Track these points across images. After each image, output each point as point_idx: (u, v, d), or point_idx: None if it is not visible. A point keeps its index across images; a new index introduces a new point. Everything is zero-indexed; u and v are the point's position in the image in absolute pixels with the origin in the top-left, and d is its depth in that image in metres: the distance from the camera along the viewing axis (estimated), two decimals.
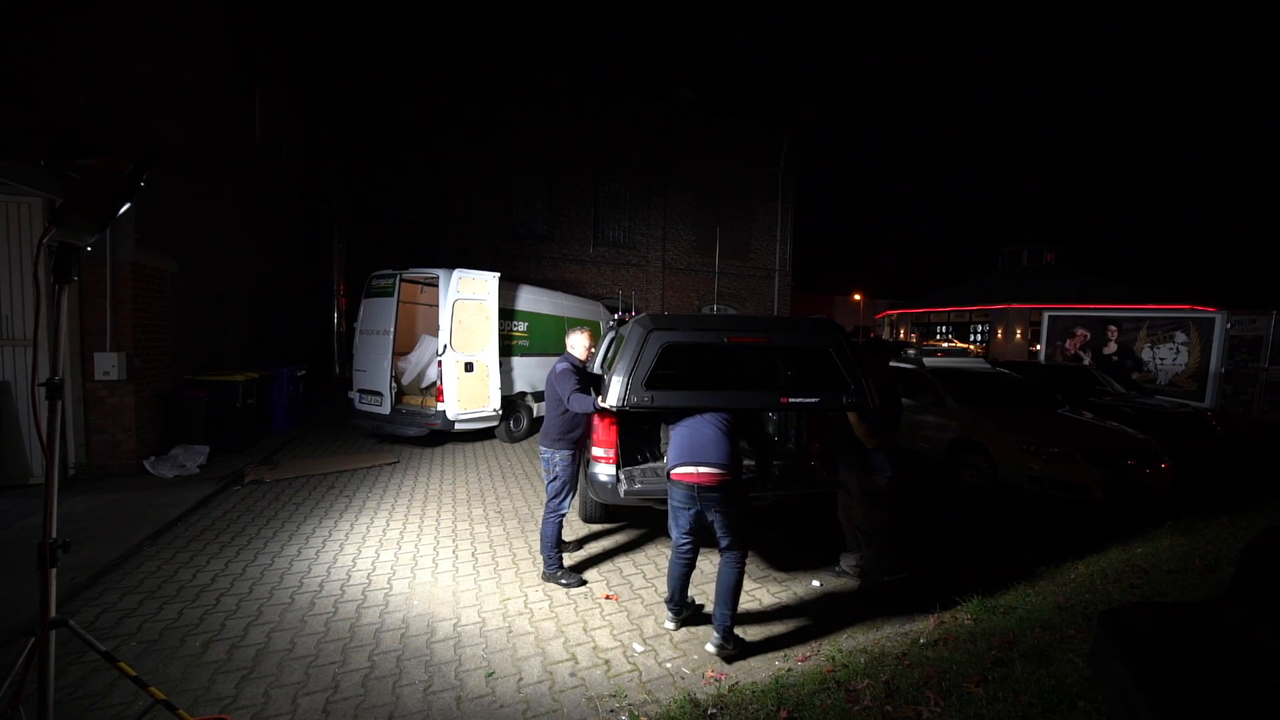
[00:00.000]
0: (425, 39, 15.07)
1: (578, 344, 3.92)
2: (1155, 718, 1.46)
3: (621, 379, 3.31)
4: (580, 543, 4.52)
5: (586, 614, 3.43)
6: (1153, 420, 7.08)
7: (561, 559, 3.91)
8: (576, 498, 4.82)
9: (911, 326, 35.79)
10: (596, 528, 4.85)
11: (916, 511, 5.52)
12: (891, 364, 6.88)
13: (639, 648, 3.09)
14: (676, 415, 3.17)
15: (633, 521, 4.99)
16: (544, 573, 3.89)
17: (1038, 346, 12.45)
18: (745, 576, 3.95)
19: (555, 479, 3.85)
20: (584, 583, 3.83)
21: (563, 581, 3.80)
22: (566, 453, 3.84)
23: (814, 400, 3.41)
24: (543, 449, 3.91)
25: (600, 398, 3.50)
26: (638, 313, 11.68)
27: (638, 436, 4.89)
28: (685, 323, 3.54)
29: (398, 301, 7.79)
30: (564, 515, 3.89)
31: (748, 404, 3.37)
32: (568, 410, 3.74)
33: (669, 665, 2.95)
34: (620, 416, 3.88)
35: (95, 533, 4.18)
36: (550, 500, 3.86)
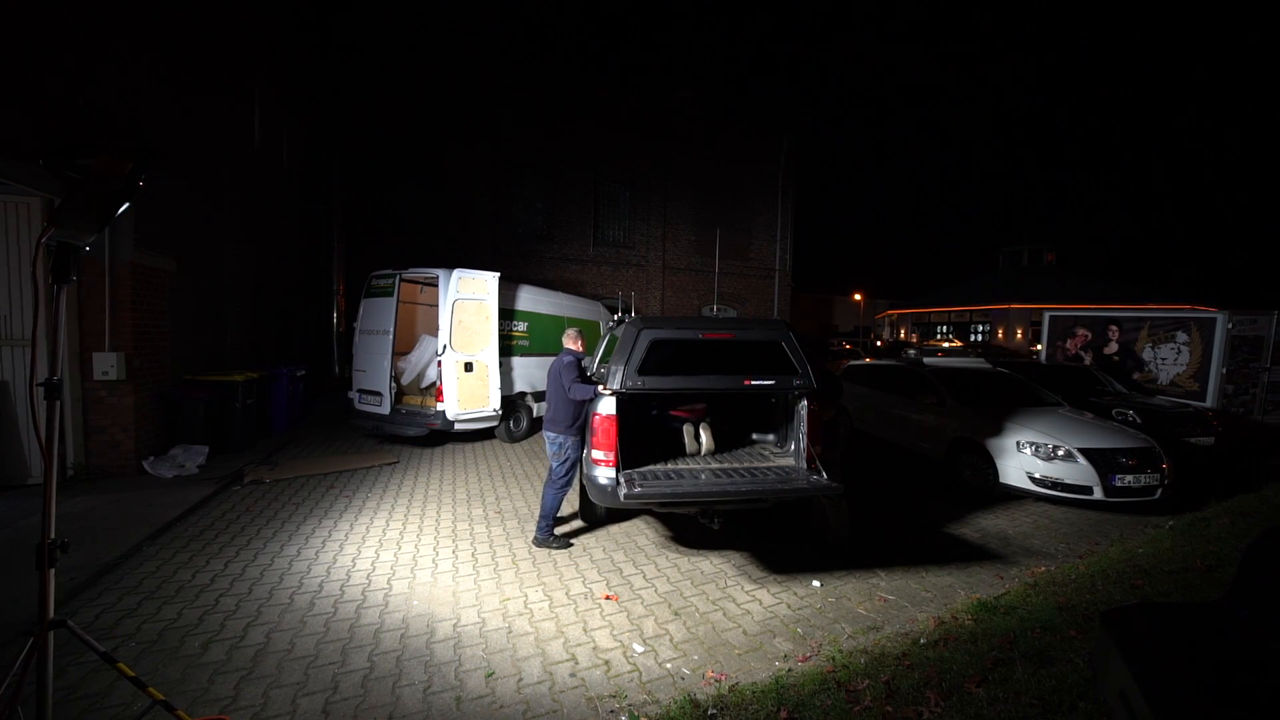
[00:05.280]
0: (425, 38, 15.06)
1: (573, 340, 4.61)
2: (1156, 718, 1.46)
3: (620, 368, 3.91)
4: (579, 545, 4.54)
5: (586, 614, 3.43)
6: (1154, 420, 7.07)
7: (554, 527, 4.43)
8: (577, 498, 5.03)
9: (911, 326, 35.80)
10: (597, 528, 4.85)
11: (915, 510, 5.53)
12: (884, 363, 8.70)
13: (639, 648, 3.09)
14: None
15: (633, 522, 4.99)
16: (535, 538, 4.41)
17: (1038, 346, 12.44)
18: (745, 577, 3.99)
19: (566, 460, 4.38)
20: (570, 545, 4.41)
21: (553, 546, 4.33)
22: (576, 438, 4.37)
23: (770, 382, 4.11)
24: (552, 435, 4.40)
25: (601, 385, 4.05)
26: (638, 313, 11.69)
27: (637, 439, 4.91)
28: (669, 323, 4.28)
29: (397, 301, 7.78)
30: (568, 492, 4.46)
31: (719, 386, 4.15)
32: (571, 398, 4.23)
33: (669, 665, 2.94)
34: (619, 415, 4.01)
35: (94, 533, 4.18)
36: (560, 477, 4.38)
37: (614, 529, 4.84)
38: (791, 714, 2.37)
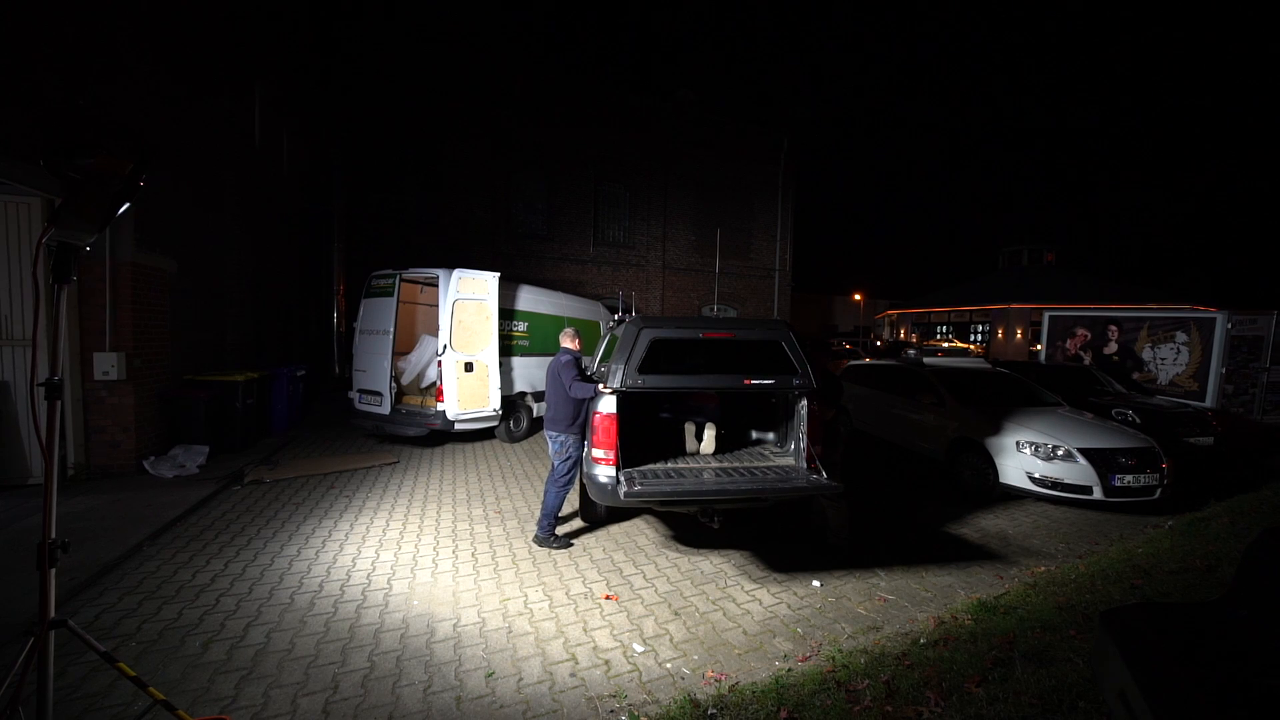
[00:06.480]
0: (425, 39, 15.07)
1: (570, 340, 4.65)
2: (1156, 718, 1.46)
3: (621, 367, 3.92)
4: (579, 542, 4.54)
5: (586, 614, 3.43)
6: (1153, 420, 7.07)
7: (555, 527, 4.45)
8: (578, 498, 5.04)
9: (911, 326, 35.80)
10: (597, 528, 4.85)
11: (914, 510, 5.53)
12: (884, 363, 8.67)
13: (639, 648, 3.09)
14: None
15: (633, 521, 4.99)
16: (537, 536, 4.44)
17: (1038, 346, 12.44)
18: (745, 576, 3.99)
19: (569, 458, 4.42)
20: (570, 545, 4.43)
21: (554, 545, 4.36)
22: (578, 436, 4.41)
23: (770, 382, 4.12)
24: (553, 434, 4.44)
25: (601, 384, 4.07)
26: (638, 313, 11.72)
27: (638, 438, 4.92)
28: (669, 322, 4.28)
29: (397, 301, 7.78)
30: (570, 490, 4.49)
31: (719, 385, 4.22)
32: (572, 396, 4.28)
33: (669, 665, 2.95)
34: (619, 413, 4.03)
35: (95, 533, 4.18)
36: (561, 476, 4.42)
37: (614, 529, 4.84)
38: (791, 714, 2.38)
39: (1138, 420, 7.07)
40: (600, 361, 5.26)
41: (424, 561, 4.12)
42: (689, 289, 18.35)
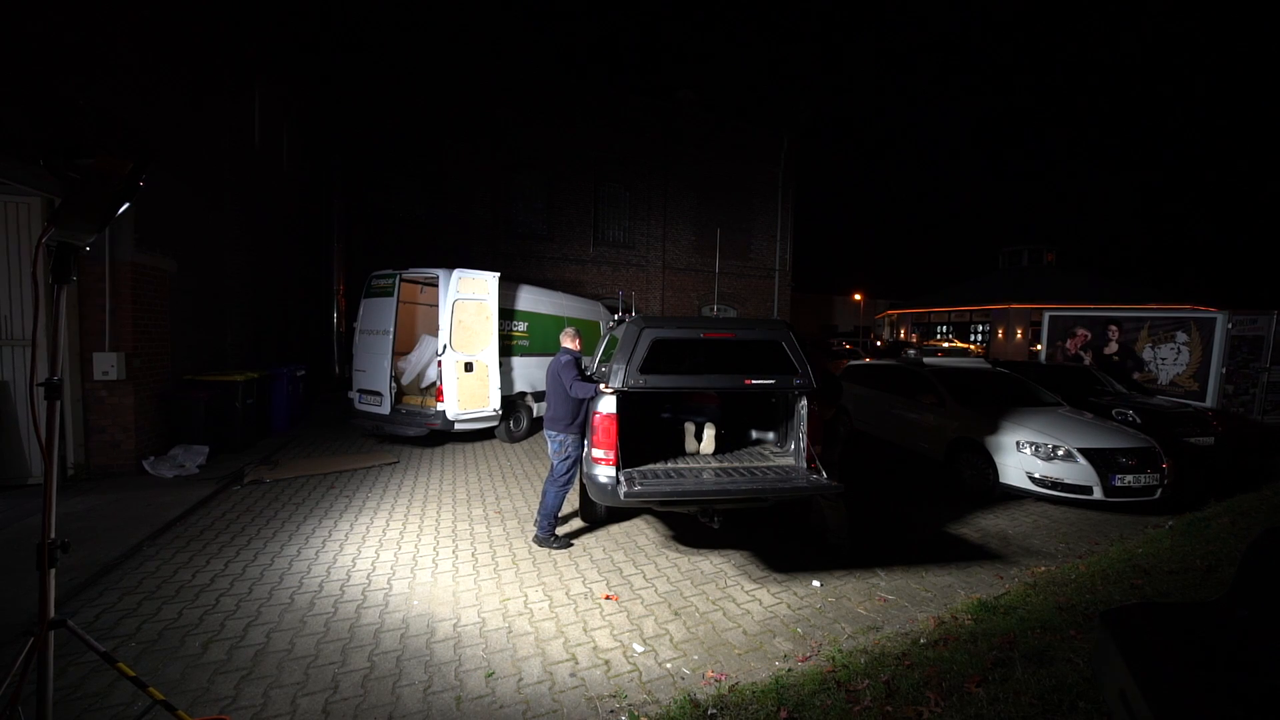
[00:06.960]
0: (426, 38, 15.07)
1: (570, 339, 4.64)
2: (1156, 718, 1.46)
3: (622, 366, 3.91)
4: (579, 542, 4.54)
5: (586, 614, 3.43)
6: (1154, 420, 7.07)
7: (555, 527, 4.45)
8: (578, 498, 5.05)
9: (911, 326, 35.80)
10: (597, 528, 4.85)
11: (913, 510, 5.53)
12: (884, 363, 8.72)
13: (639, 648, 3.09)
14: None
15: (633, 521, 4.99)
16: (537, 536, 4.45)
17: (1038, 346, 12.44)
18: (745, 576, 3.99)
19: (568, 458, 4.41)
20: (570, 545, 4.43)
21: (554, 546, 4.36)
22: (577, 436, 4.41)
23: (771, 382, 4.13)
24: (553, 433, 4.44)
25: (603, 384, 4.07)
26: (638, 313, 11.79)
27: (638, 438, 4.92)
28: (670, 322, 4.28)
29: (397, 301, 7.78)
30: (569, 490, 4.49)
31: (719, 385, 4.24)
32: (573, 396, 4.29)
33: (669, 665, 2.95)
34: (619, 413, 4.03)
35: (95, 533, 4.18)
36: (561, 476, 4.41)
37: (614, 529, 4.84)
38: (791, 714, 2.38)
39: (1138, 420, 7.06)
40: (600, 361, 5.27)
41: (424, 561, 4.12)
42: (689, 289, 18.35)
